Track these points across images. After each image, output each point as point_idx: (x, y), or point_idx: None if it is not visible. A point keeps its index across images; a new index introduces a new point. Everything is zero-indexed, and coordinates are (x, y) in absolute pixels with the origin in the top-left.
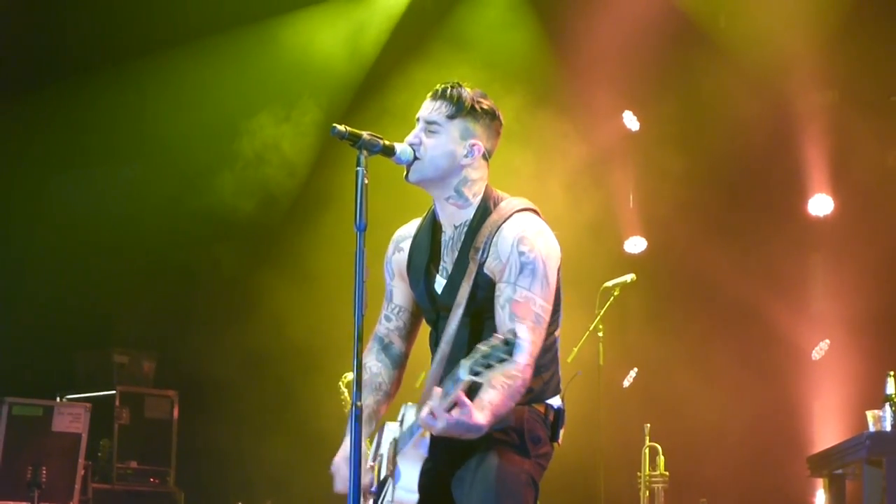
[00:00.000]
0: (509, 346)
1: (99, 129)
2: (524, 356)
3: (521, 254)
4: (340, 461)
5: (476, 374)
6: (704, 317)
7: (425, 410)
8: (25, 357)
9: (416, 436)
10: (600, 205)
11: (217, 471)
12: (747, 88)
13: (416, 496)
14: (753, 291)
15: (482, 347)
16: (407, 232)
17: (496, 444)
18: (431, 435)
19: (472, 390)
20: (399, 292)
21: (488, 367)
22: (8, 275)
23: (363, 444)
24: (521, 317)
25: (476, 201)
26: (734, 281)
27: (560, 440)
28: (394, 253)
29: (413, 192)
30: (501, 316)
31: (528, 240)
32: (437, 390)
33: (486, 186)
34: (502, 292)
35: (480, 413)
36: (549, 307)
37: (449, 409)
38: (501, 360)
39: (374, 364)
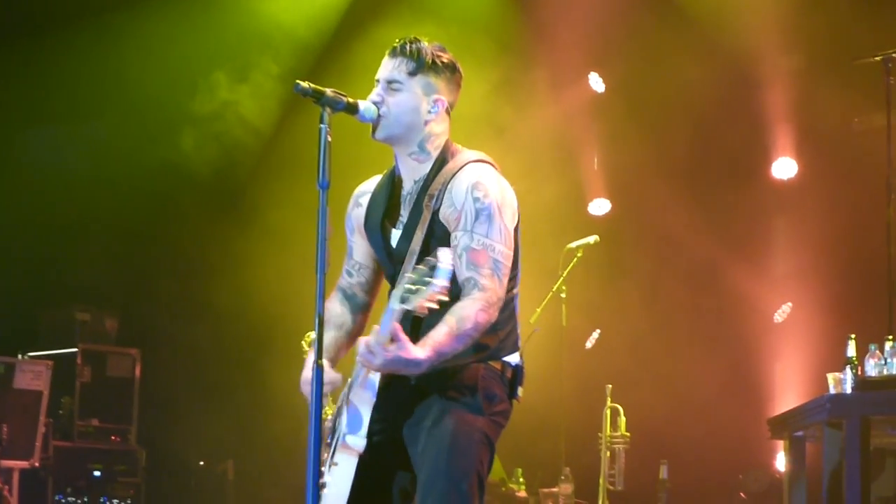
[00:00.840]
0: (432, 269)
1: (61, 85)
2: (478, 300)
3: (475, 200)
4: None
5: (405, 301)
6: (668, 279)
7: (361, 346)
8: None
9: (360, 375)
10: (564, 166)
11: (179, 430)
12: (713, 51)
13: (363, 440)
14: (717, 254)
15: (409, 275)
16: (367, 188)
17: (450, 402)
18: (389, 384)
19: (418, 326)
20: (359, 248)
21: (415, 292)
22: None
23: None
24: (480, 264)
25: (435, 154)
26: (698, 244)
27: (520, 397)
28: (353, 208)
29: (376, 149)
30: (459, 264)
31: (483, 185)
32: (375, 327)
33: (447, 140)
34: (459, 240)
35: (420, 348)
36: (509, 252)
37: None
38: (426, 284)
39: (337, 306)
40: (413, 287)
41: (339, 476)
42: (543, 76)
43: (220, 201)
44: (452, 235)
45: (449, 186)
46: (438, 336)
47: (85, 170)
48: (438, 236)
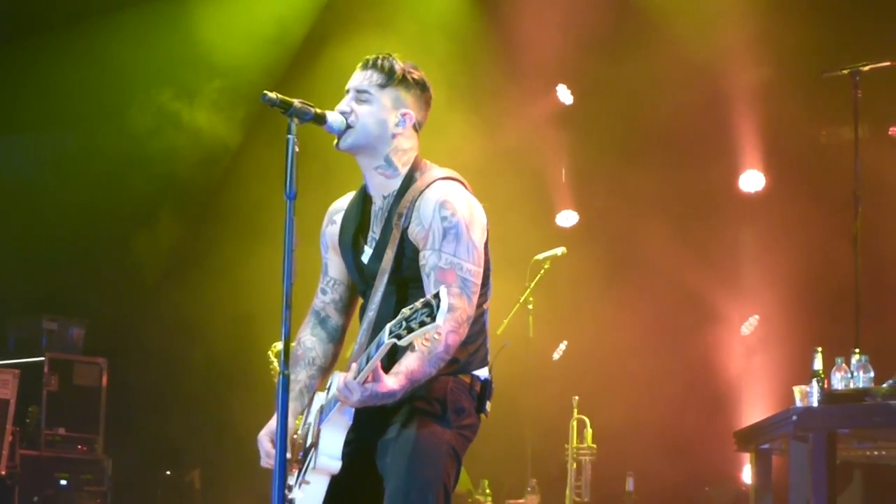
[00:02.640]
0: (430, 308)
1: (28, 95)
2: (448, 322)
3: (443, 218)
4: (263, 436)
5: (399, 337)
6: (635, 291)
7: (339, 383)
8: None
9: (337, 404)
10: (532, 178)
11: (145, 439)
12: (681, 64)
13: (338, 462)
14: (684, 266)
15: (405, 311)
16: (340, 205)
17: (417, 414)
18: None
19: (393, 353)
20: (333, 265)
21: (409, 330)
22: None
23: (292, 420)
24: (447, 283)
25: (404, 171)
26: (665, 256)
27: (487, 412)
28: (327, 226)
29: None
30: (427, 284)
31: (450, 203)
32: (353, 365)
33: (416, 157)
34: (427, 260)
35: (393, 378)
36: (478, 270)
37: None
38: (423, 324)
39: (308, 339)
40: (406, 323)
41: (311, 494)
42: (511, 87)
43: (189, 210)
44: (420, 254)
45: (417, 204)
46: (410, 363)
47: (52, 178)
48: (408, 255)
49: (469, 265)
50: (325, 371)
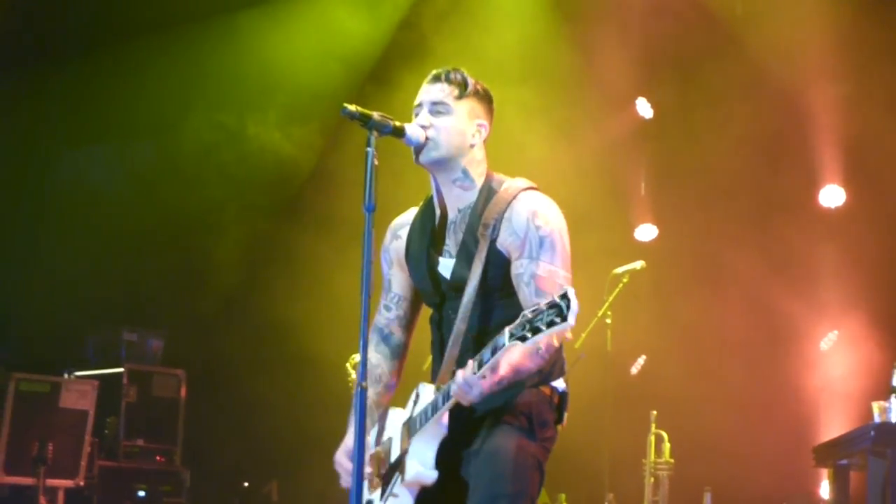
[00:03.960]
0: (558, 308)
1: (109, 105)
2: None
3: (537, 228)
4: (341, 455)
5: (523, 339)
6: (713, 305)
7: (460, 380)
8: (35, 334)
9: (439, 411)
10: (611, 191)
11: (223, 450)
12: (762, 78)
13: (434, 472)
14: (763, 281)
15: (526, 314)
16: (404, 220)
17: (506, 427)
18: (450, 413)
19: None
20: (397, 281)
21: (536, 330)
22: (19, 252)
23: (366, 436)
24: (547, 291)
25: (480, 182)
26: (744, 270)
27: (565, 423)
28: (392, 241)
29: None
30: (526, 292)
31: (542, 214)
32: (470, 363)
33: (487, 169)
34: (525, 269)
35: (501, 369)
36: (571, 278)
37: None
38: (552, 324)
39: (373, 356)
40: (531, 325)
41: None
42: (590, 101)
43: (266, 222)
44: (516, 263)
45: (507, 215)
46: (515, 356)
47: (131, 190)
48: (497, 265)
49: (565, 273)
50: (390, 388)
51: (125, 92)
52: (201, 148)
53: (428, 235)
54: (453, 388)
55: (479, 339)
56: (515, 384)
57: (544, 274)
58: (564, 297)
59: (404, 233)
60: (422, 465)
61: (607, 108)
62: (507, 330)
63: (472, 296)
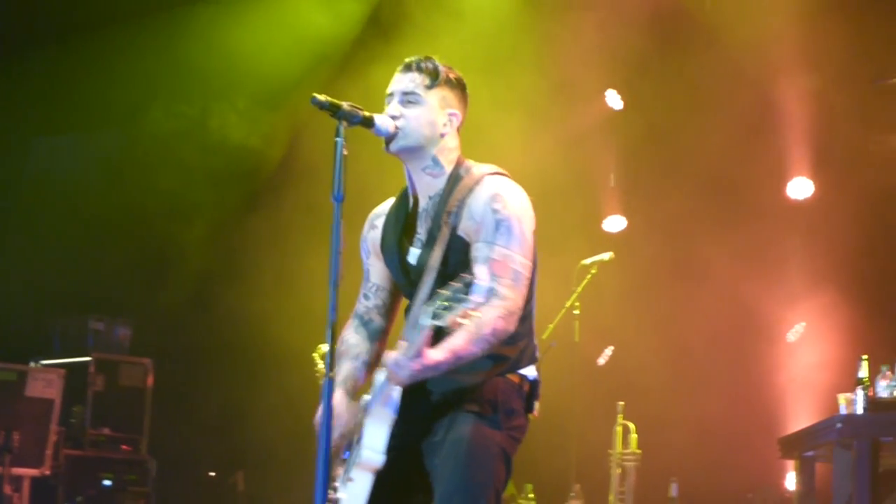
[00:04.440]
0: (468, 285)
1: (75, 95)
2: (497, 308)
3: (494, 211)
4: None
5: (438, 317)
6: (681, 297)
7: (390, 361)
8: (2, 322)
9: (382, 394)
10: (581, 182)
11: (190, 440)
12: (730, 70)
13: (382, 457)
14: (731, 272)
15: (442, 292)
16: (381, 210)
17: (468, 416)
18: (408, 398)
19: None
20: (375, 270)
21: (448, 308)
22: None
23: (343, 410)
24: (500, 275)
25: (449, 170)
26: (712, 262)
27: (535, 412)
28: (368, 231)
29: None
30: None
31: (502, 197)
32: (400, 342)
33: (459, 156)
34: (479, 252)
35: (438, 351)
36: (529, 264)
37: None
38: (461, 301)
39: (352, 336)
40: (446, 304)
41: (355, 492)
42: (560, 92)
43: (235, 212)
44: (473, 247)
45: (467, 201)
46: (456, 340)
47: (99, 179)
48: (457, 250)
49: (521, 258)
50: (370, 366)
51: (93, 81)
52: (170, 137)
53: (401, 225)
54: (387, 368)
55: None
56: (467, 367)
57: (499, 258)
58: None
59: (380, 222)
60: (370, 449)
61: (577, 100)
62: (427, 310)
63: (430, 283)
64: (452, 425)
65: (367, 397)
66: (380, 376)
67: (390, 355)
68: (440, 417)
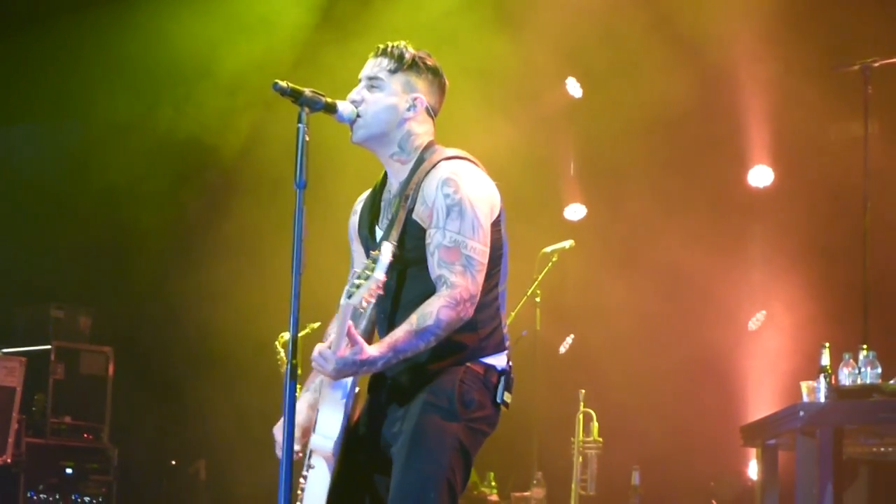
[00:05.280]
0: (374, 262)
1: (34, 84)
2: (443, 297)
3: (445, 196)
4: (277, 429)
5: (349, 296)
6: (642, 285)
7: (315, 354)
8: None
9: (326, 382)
10: (541, 171)
11: (151, 429)
12: (691, 57)
13: (331, 442)
14: (692, 261)
15: (355, 269)
16: (364, 196)
17: (423, 406)
18: (371, 389)
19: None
20: (358, 257)
21: (358, 287)
22: None
23: (311, 411)
24: (451, 261)
25: (416, 155)
26: (673, 250)
27: (507, 402)
28: (351, 217)
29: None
30: (431, 263)
31: (453, 180)
32: (331, 336)
33: (430, 141)
34: (432, 238)
35: (375, 347)
36: (484, 249)
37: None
38: (367, 278)
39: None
40: (357, 282)
41: (315, 479)
42: (519, 80)
43: (195, 201)
44: (428, 233)
45: (422, 185)
46: (397, 333)
47: (57, 168)
48: (413, 235)
49: (473, 243)
50: None
51: (51, 70)
52: (127, 126)
53: (371, 211)
54: (312, 363)
55: (401, 314)
56: (428, 358)
57: (449, 244)
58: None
59: (360, 208)
60: (322, 436)
61: (537, 88)
62: (344, 291)
63: (387, 268)
64: (407, 415)
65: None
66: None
67: (317, 347)
68: (399, 407)
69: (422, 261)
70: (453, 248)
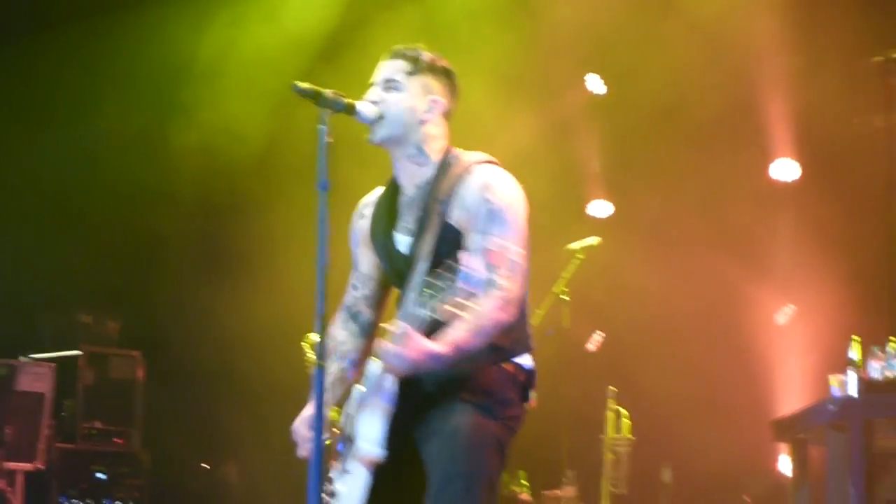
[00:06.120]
0: (453, 272)
1: (61, 88)
2: (496, 298)
3: (487, 201)
4: (298, 424)
5: (425, 305)
6: (669, 281)
7: (388, 352)
8: None
9: (377, 385)
10: (565, 168)
11: (182, 432)
12: (714, 52)
13: (380, 450)
14: (719, 256)
15: (430, 279)
16: (370, 199)
17: (464, 406)
18: (400, 388)
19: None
20: (365, 260)
21: (435, 297)
22: None
23: (327, 411)
24: (497, 265)
25: (436, 159)
26: (700, 246)
27: (532, 401)
28: (357, 220)
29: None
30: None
31: (494, 188)
32: (396, 333)
33: (447, 145)
34: (474, 242)
35: (441, 344)
36: (525, 254)
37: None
38: (449, 289)
39: (340, 332)
40: (433, 291)
41: (353, 485)
42: (542, 78)
43: (223, 203)
44: (468, 238)
45: (458, 190)
46: (458, 334)
47: (83, 172)
48: (449, 240)
49: (517, 247)
50: (358, 364)
51: (73, 74)
52: (150, 130)
53: (387, 214)
54: (382, 358)
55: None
56: (467, 361)
57: (494, 248)
58: (457, 260)
59: (368, 212)
60: (368, 442)
61: (559, 85)
62: (414, 300)
63: (422, 272)
64: (447, 415)
65: (359, 388)
66: (373, 367)
67: (387, 345)
68: (433, 407)
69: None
70: (497, 252)
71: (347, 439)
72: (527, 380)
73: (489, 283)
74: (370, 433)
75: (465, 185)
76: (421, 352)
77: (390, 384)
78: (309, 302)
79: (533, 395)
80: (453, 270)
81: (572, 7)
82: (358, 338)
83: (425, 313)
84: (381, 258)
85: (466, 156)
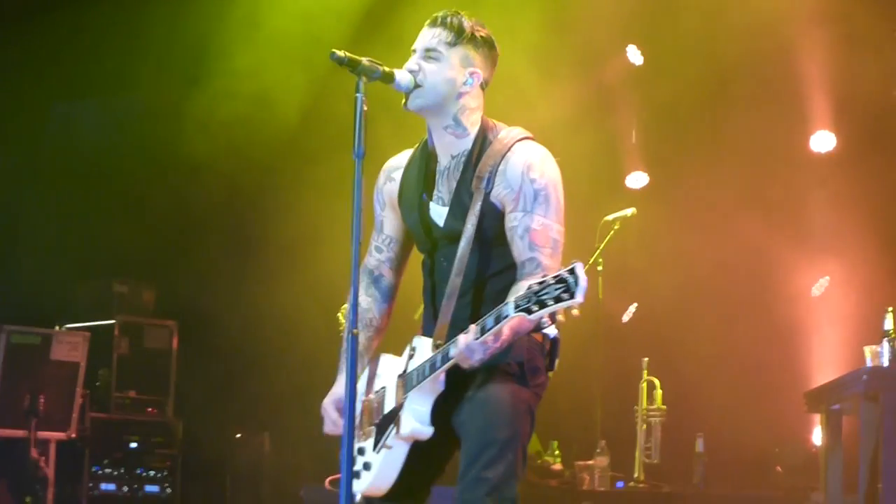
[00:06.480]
0: (566, 284)
1: (97, 58)
2: (539, 278)
3: (532, 181)
4: (328, 403)
5: (528, 311)
6: (704, 253)
7: (462, 345)
8: (26, 287)
9: (437, 371)
10: (602, 139)
11: (215, 402)
12: (752, 23)
13: (430, 429)
14: (755, 228)
15: (533, 285)
16: (398, 162)
17: (499, 374)
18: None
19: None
20: (389, 223)
21: (542, 304)
22: (8, 204)
23: (358, 382)
24: (541, 245)
25: (474, 131)
26: (736, 217)
27: (555, 369)
28: (385, 183)
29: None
30: (520, 246)
31: (537, 167)
32: (472, 327)
33: (483, 117)
34: (520, 221)
35: (506, 330)
36: (564, 231)
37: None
38: (559, 299)
39: (363, 299)
40: (537, 297)
41: (392, 459)
42: (580, 48)
43: (258, 174)
44: (510, 216)
45: (501, 168)
46: (516, 322)
47: (120, 143)
48: (491, 217)
49: (559, 226)
50: (381, 331)
51: (113, 44)
52: (191, 101)
53: (421, 181)
54: (454, 351)
55: (475, 291)
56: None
57: (538, 227)
58: (572, 272)
59: (398, 175)
60: (418, 422)
61: (598, 56)
62: (512, 301)
63: (466, 248)
64: (482, 383)
65: (388, 358)
66: (422, 346)
67: (461, 339)
68: (468, 375)
69: (496, 239)
70: (542, 231)
71: (380, 412)
72: (552, 349)
73: (533, 263)
74: (420, 414)
75: (508, 162)
76: (494, 348)
77: (443, 374)
78: (344, 272)
79: (556, 363)
80: (560, 279)
81: None
82: (381, 303)
83: (521, 316)
84: (410, 224)
85: (506, 131)
